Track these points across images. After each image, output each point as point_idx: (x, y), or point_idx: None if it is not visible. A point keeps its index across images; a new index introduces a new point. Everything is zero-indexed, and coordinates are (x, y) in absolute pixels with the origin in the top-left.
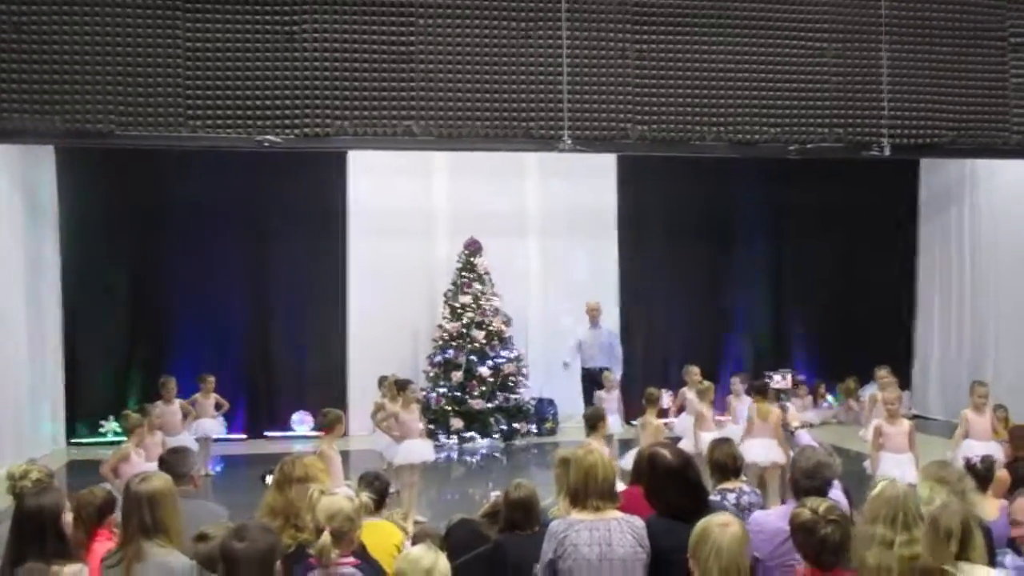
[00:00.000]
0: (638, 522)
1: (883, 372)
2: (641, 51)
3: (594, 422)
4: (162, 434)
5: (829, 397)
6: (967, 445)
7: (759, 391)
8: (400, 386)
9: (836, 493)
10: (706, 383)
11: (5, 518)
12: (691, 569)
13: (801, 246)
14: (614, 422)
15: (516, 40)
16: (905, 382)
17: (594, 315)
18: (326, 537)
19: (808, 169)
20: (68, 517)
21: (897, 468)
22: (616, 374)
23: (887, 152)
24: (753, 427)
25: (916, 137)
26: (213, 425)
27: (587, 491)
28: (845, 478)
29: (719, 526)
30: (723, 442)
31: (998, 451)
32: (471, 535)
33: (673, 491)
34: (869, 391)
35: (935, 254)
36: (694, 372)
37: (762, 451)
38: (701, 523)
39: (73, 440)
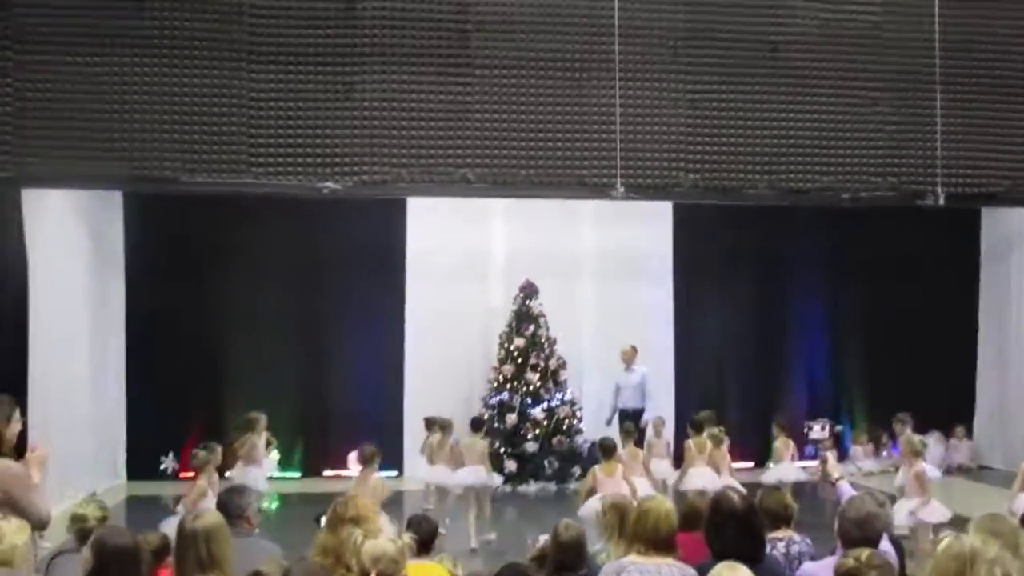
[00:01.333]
0: (689, 570)
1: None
2: (693, 101)
3: (609, 451)
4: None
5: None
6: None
7: (695, 426)
8: (476, 426)
9: (885, 545)
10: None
11: (69, 550)
12: None
13: (860, 292)
14: (663, 468)
15: (570, 90)
16: (968, 431)
17: (628, 359)
18: None
19: (867, 215)
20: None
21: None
22: (648, 415)
23: (941, 201)
24: (692, 459)
25: (971, 186)
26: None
27: (635, 535)
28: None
29: (727, 570)
30: (774, 490)
31: None
32: None
33: (734, 534)
34: (930, 439)
35: (996, 301)
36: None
37: (702, 480)
38: None
39: (133, 476)
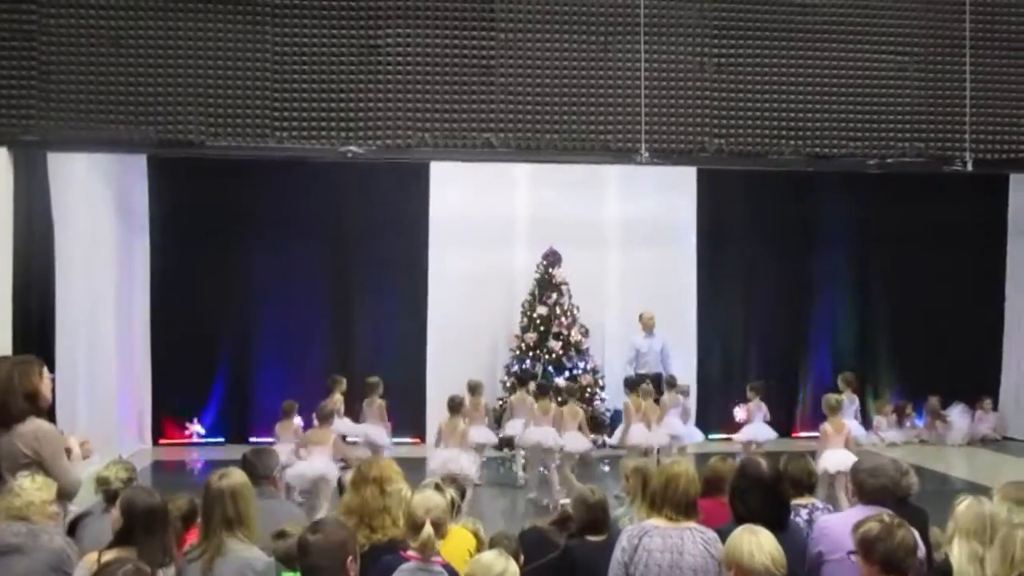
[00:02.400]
0: (711, 534)
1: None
2: (719, 64)
3: (544, 392)
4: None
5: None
6: None
7: (629, 386)
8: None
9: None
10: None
11: (95, 511)
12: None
13: (885, 261)
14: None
15: (595, 53)
16: (994, 403)
17: (648, 325)
18: (429, 529)
19: (893, 182)
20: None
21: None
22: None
23: (969, 167)
24: (631, 417)
25: (1000, 152)
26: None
27: (664, 500)
28: (927, 498)
29: (748, 533)
30: (798, 457)
31: None
32: (542, 542)
33: (760, 501)
34: (956, 410)
35: (1023, 271)
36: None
37: (638, 437)
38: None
39: (159, 440)
